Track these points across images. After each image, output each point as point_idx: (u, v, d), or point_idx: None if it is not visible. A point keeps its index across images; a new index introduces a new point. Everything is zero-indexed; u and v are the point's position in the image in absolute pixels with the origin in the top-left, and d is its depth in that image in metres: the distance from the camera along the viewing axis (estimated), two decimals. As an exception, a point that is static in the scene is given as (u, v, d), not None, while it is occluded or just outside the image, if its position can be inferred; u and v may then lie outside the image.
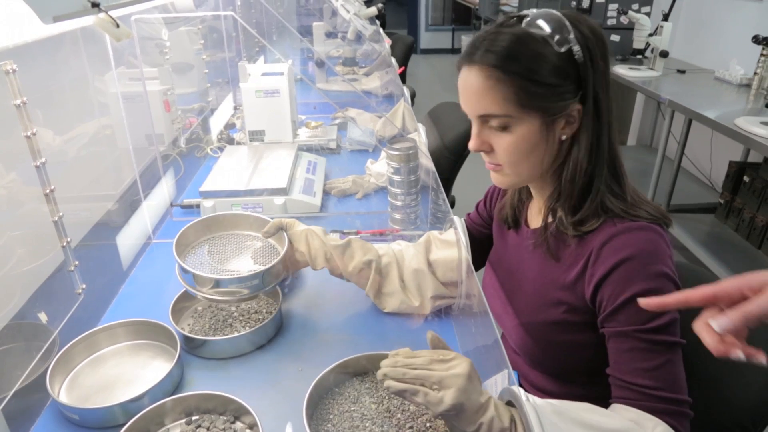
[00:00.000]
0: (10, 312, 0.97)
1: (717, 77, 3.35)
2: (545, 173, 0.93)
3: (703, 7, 3.80)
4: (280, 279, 1.12)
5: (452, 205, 2.33)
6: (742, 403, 0.94)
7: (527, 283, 1.01)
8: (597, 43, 0.85)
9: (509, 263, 1.08)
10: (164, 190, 1.61)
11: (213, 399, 0.89)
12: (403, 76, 4.33)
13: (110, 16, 0.75)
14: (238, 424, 0.89)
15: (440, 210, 1.44)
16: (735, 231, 2.96)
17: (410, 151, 1.40)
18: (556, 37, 0.82)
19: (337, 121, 2.26)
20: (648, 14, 3.81)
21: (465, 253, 1.04)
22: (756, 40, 2.87)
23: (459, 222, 1.14)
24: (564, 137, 0.88)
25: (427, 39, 9.28)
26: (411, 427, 0.87)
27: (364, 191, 1.70)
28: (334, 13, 3.36)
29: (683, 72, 3.54)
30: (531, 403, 0.72)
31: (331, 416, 0.89)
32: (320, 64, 2.92)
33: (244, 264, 1.12)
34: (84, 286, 1.10)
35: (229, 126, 2.25)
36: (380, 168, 1.73)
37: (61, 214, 1.02)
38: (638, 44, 3.55)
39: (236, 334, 1.06)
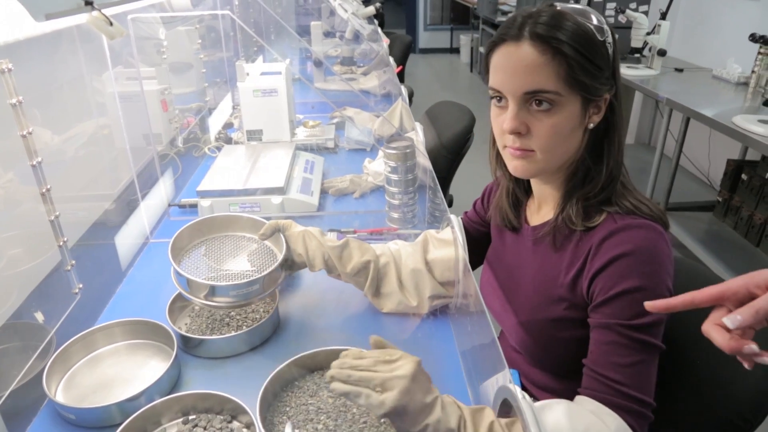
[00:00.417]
0: (7, 312, 0.97)
1: (715, 75, 3.36)
2: (568, 161, 0.92)
3: (700, 5, 3.81)
4: (279, 283, 1.11)
5: (450, 204, 2.33)
6: (741, 394, 0.94)
7: (527, 281, 1.01)
8: (616, 43, 0.87)
9: (508, 261, 1.08)
10: (162, 190, 1.61)
11: (210, 398, 0.89)
12: (401, 76, 4.33)
13: (103, 14, 0.75)
14: (235, 424, 0.88)
15: (438, 209, 1.44)
16: (733, 229, 2.97)
17: (407, 150, 1.40)
18: (596, 25, 0.84)
19: (335, 121, 2.25)
20: (646, 13, 3.81)
21: (462, 253, 1.04)
22: (753, 38, 2.88)
23: (456, 221, 1.14)
24: (591, 125, 0.88)
25: (425, 38, 9.28)
26: (365, 422, 0.88)
27: (362, 190, 1.70)
28: (332, 12, 3.36)
29: (681, 70, 3.54)
30: (527, 401, 0.72)
31: (288, 408, 0.90)
32: (318, 63, 2.92)
33: (241, 267, 1.12)
34: (81, 285, 1.10)
35: (227, 125, 2.24)
36: (378, 167, 1.73)
37: (57, 213, 1.02)
38: (636, 43, 3.55)
39: (233, 333, 1.06)
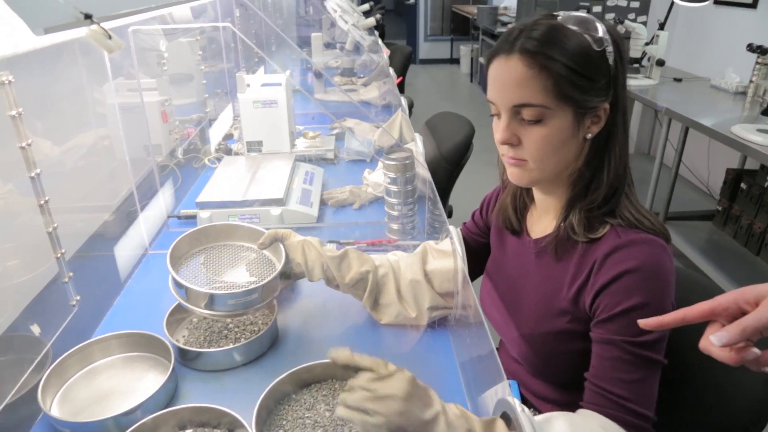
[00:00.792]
0: (3, 324, 0.97)
1: (713, 85, 3.37)
2: (564, 172, 0.92)
3: (698, 16, 3.83)
4: (278, 292, 1.11)
5: (449, 215, 2.33)
6: (742, 403, 0.94)
7: (529, 294, 1.00)
8: (623, 47, 0.87)
9: (509, 273, 1.08)
10: (161, 201, 1.61)
11: (207, 412, 0.88)
12: (401, 86, 4.35)
13: (102, 28, 0.75)
14: (233, 437, 0.88)
15: (437, 220, 1.44)
16: (733, 238, 2.96)
17: (407, 161, 1.40)
18: (594, 36, 0.83)
19: (334, 132, 2.26)
20: (644, 23, 3.84)
21: (461, 264, 1.03)
22: (751, 48, 2.89)
23: (455, 232, 1.14)
24: (589, 136, 0.88)
25: (425, 49, 9.33)
26: None
27: (361, 201, 1.70)
28: (333, 23, 3.38)
29: (680, 80, 3.56)
30: (526, 414, 0.71)
31: (284, 422, 0.90)
32: (318, 74, 2.93)
33: (240, 276, 1.11)
34: (78, 297, 1.09)
35: (228, 136, 2.25)
36: (377, 178, 1.73)
37: (55, 225, 1.02)
38: (635, 53, 3.57)
39: (231, 346, 1.06)
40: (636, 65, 3.67)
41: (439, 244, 1.17)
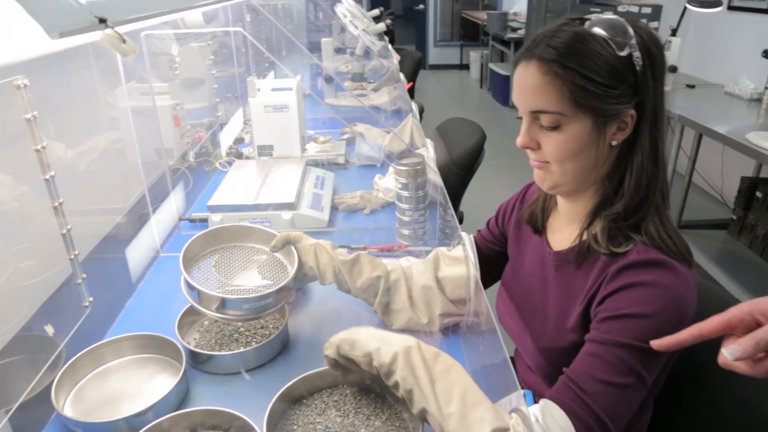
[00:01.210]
0: (18, 324, 0.97)
1: (727, 92, 3.34)
2: (588, 178, 0.91)
3: (711, 22, 3.80)
4: (291, 297, 1.11)
5: (461, 220, 2.32)
6: (762, 416, 0.92)
7: (547, 307, 0.99)
8: (658, 54, 0.85)
9: (527, 284, 1.06)
10: (173, 204, 1.61)
11: (218, 415, 0.88)
12: (411, 92, 4.35)
13: (117, 32, 0.76)
14: (243, 441, 0.88)
15: (448, 226, 1.43)
16: (748, 247, 2.93)
17: (418, 167, 1.39)
18: (618, 40, 0.82)
19: (345, 136, 2.26)
20: (656, 29, 3.82)
21: (473, 271, 1.03)
22: (766, 54, 2.87)
23: (467, 239, 1.13)
24: (614, 143, 0.87)
25: (435, 55, 9.34)
26: None
27: (372, 206, 1.70)
28: (343, 29, 3.39)
29: (693, 87, 3.53)
30: (541, 424, 0.70)
31: (295, 427, 0.89)
32: (329, 79, 2.94)
33: (252, 279, 1.11)
34: (91, 299, 1.10)
35: (238, 140, 2.26)
36: (388, 183, 1.73)
37: (69, 227, 1.03)
38: (647, 60, 3.55)
39: (242, 349, 1.06)
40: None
41: (451, 251, 1.16)
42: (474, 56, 8.29)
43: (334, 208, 1.70)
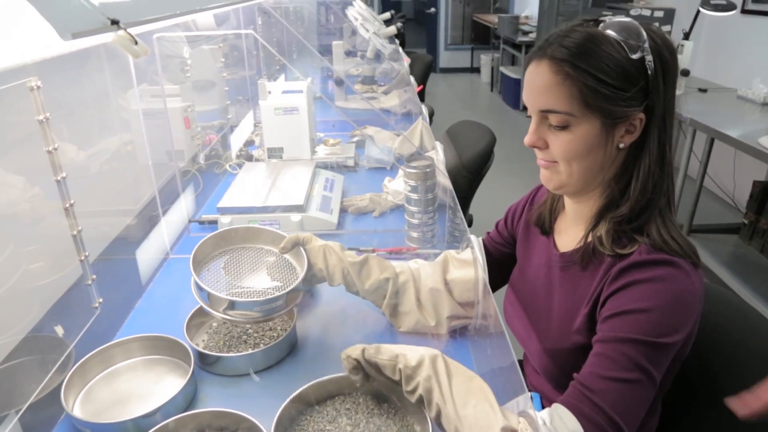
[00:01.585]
0: (28, 325, 0.98)
1: (740, 96, 3.31)
2: (595, 180, 0.91)
3: (724, 25, 3.77)
4: (300, 298, 1.11)
5: (470, 224, 2.31)
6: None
7: (553, 308, 0.99)
8: (670, 59, 0.85)
9: (534, 286, 1.06)
10: (183, 206, 1.62)
11: (226, 416, 0.88)
12: (421, 95, 4.35)
13: (129, 34, 0.76)
14: (251, 443, 0.88)
15: (457, 229, 1.43)
16: (760, 252, 2.90)
17: (427, 170, 1.39)
18: (630, 43, 0.82)
19: (355, 139, 2.26)
20: (669, 33, 3.79)
21: (482, 274, 1.02)
22: (780, 59, 2.84)
23: (476, 241, 1.13)
24: (622, 145, 0.87)
25: (446, 58, 9.34)
26: None
27: (381, 209, 1.70)
28: (354, 32, 3.40)
29: (705, 91, 3.51)
30: (549, 428, 0.70)
31: None
32: (339, 82, 2.95)
33: (261, 280, 1.12)
34: (101, 300, 1.11)
35: (249, 143, 2.27)
36: (397, 186, 1.73)
37: (80, 228, 1.03)
38: (659, 63, 3.53)
39: (250, 351, 1.06)
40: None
41: (460, 254, 1.16)
42: (485, 59, 8.28)
43: (343, 210, 1.70)
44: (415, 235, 1.47)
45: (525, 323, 1.04)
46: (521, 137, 0.92)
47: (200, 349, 1.06)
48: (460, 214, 1.28)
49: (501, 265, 1.19)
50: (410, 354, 0.83)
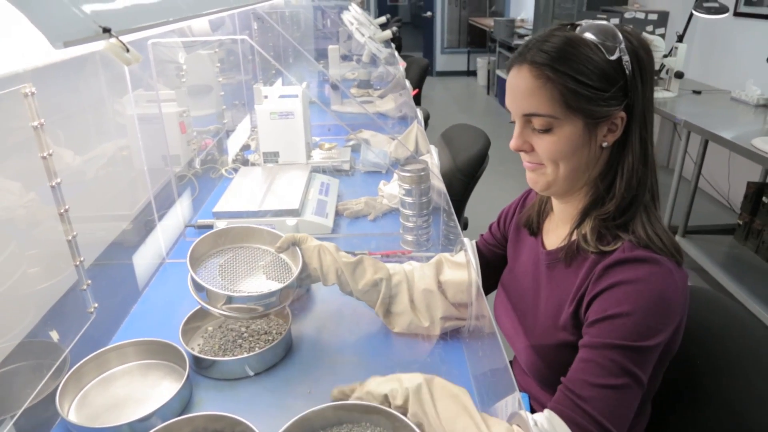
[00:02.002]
0: (24, 330, 0.98)
1: (733, 98, 3.33)
2: (581, 179, 0.92)
3: (717, 27, 3.80)
4: (295, 296, 1.12)
5: (465, 227, 2.32)
6: (760, 428, 0.92)
7: (539, 305, 1.00)
8: (646, 58, 0.87)
9: (522, 284, 1.08)
10: (178, 211, 1.63)
11: (221, 420, 0.89)
12: (417, 98, 4.37)
13: (120, 41, 0.77)
14: (245, 446, 0.88)
15: (452, 232, 1.44)
16: (755, 253, 2.91)
17: (422, 173, 1.40)
18: (608, 45, 0.84)
19: (350, 143, 2.27)
20: (662, 36, 3.82)
21: (475, 276, 1.03)
22: (772, 60, 2.86)
23: (469, 244, 1.14)
24: (605, 144, 0.89)
25: (442, 61, 9.36)
26: None
27: (376, 213, 1.71)
28: (350, 36, 3.41)
29: (699, 93, 3.52)
30: (539, 428, 0.71)
31: None
32: (335, 86, 2.96)
33: (257, 279, 1.12)
34: (96, 305, 1.11)
35: (245, 147, 2.27)
36: (392, 189, 1.73)
37: (75, 233, 1.04)
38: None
39: (245, 354, 1.06)
40: (654, 78, 3.65)
41: (454, 256, 1.17)
42: (481, 63, 8.30)
43: (338, 214, 1.71)
44: (409, 238, 1.48)
45: (513, 320, 1.06)
46: (518, 140, 0.93)
47: (195, 353, 1.06)
48: (454, 217, 1.29)
49: (495, 267, 1.21)
50: (399, 391, 0.85)
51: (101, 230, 1.34)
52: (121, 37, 0.78)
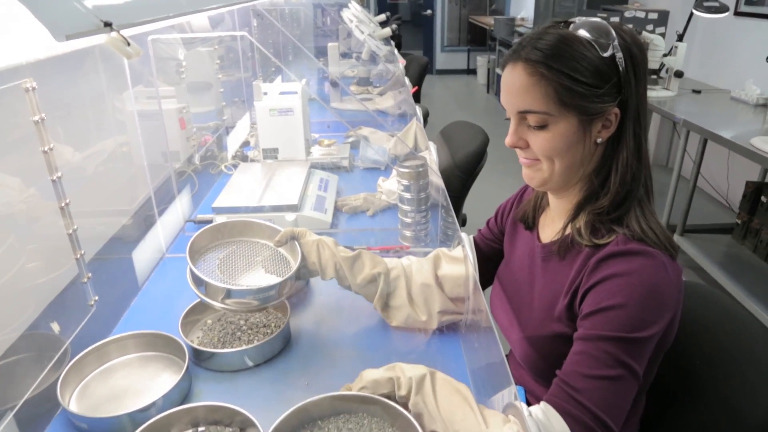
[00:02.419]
0: (25, 322, 0.99)
1: (733, 97, 3.34)
2: (576, 175, 0.94)
3: (717, 27, 3.80)
4: (293, 289, 1.13)
5: (463, 223, 2.33)
6: (751, 421, 0.93)
7: (534, 297, 1.01)
8: (639, 55, 0.88)
9: (517, 277, 1.09)
10: (178, 206, 1.64)
11: (219, 410, 0.90)
12: (417, 96, 4.37)
13: (121, 35, 0.78)
14: (244, 437, 0.89)
15: (450, 227, 1.45)
16: (753, 252, 2.92)
17: (420, 169, 1.41)
18: (601, 42, 0.85)
19: (350, 140, 2.28)
20: (662, 35, 3.82)
21: (472, 271, 1.04)
22: (771, 59, 2.86)
23: (467, 239, 1.15)
24: (600, 140, 0.90)
25: (442, 60, 9.36)
26: None
27: (375, 208, 1.72)
28: (350, 33, 3.41)
29: (698, 92, 3.53)
30: (534, 418, 0.72)
31: None
32: (334, 83, 2.96)
33: (256, 273, 1.13)
34: (96, 298, 1.12)
35: (244, 144, 2.28)
36: (391, 185, 1.74)
37: (75, 227, 1.05)
38: (653, 64, 3.55)
39: (244, 347, 1.07)
40: (654, 77, 3.66)
41: (451, 251, 1.18)
42: (481, 61, 8.30)
43: (337, 210, 1.72)
44: (408, 233, 1.49)
45: (508, 313, 1.07)
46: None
47: (195, 345, 1.07)
48: (453, 212, 1.30)
49: (492, 261, 1.22)
50: (404, 381, 0.87)
51: (102, 225, 1.34)
52: (121, 32, 0.79)
